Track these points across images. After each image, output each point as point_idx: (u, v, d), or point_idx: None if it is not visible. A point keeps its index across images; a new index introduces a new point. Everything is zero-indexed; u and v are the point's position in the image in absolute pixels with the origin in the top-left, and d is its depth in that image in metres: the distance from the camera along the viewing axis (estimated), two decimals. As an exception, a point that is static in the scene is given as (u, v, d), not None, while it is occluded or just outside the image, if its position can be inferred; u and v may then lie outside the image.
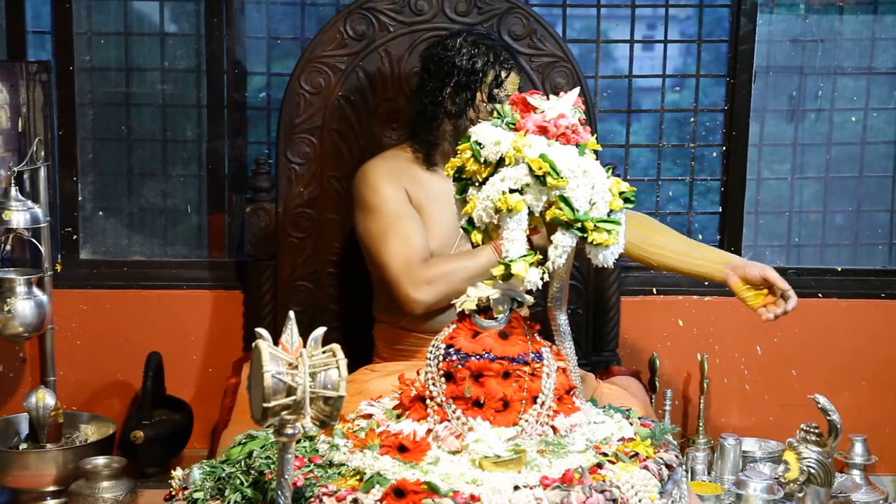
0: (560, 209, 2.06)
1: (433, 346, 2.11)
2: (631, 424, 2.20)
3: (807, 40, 3.74)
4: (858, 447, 3.46)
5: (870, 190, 3.81)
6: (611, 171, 2.15)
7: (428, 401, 2.08)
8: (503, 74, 2.86)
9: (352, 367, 1.95)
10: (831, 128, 3.78)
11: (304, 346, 1.82)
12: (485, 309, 2.12)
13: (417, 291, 2.76)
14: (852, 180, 3.81)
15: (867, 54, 3.75)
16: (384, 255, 2.83)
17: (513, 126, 2.16)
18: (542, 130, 2.14)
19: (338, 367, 1.79)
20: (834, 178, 3.81)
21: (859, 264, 3.80)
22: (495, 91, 2.85)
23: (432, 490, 1.86)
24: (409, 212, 2.87)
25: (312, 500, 1.91)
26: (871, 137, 3.79)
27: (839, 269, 3.73)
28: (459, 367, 2.04)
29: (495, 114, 2.22)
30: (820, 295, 3.67)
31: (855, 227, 3.83)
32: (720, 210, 3.72)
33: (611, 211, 2.11)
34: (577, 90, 2.21)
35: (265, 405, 1.74)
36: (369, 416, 2.19)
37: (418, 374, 2.14)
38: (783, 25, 3.74)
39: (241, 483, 2.02)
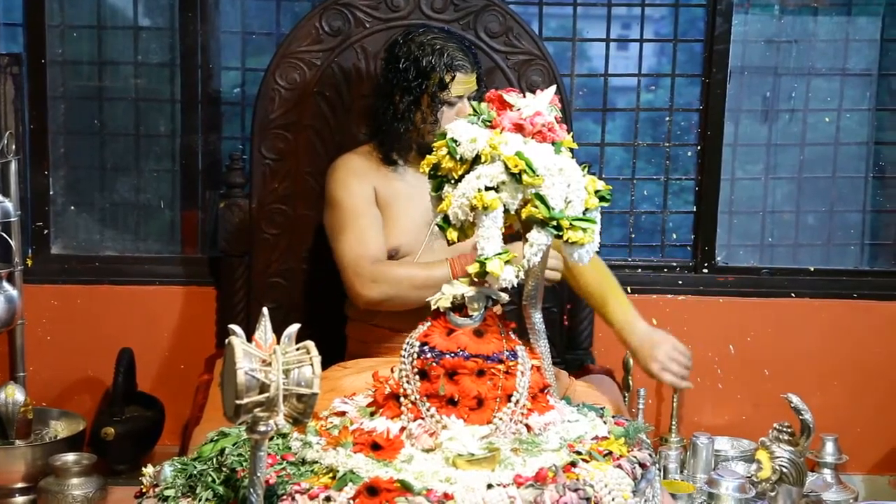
0: (536, 207, 2.06)
1: (408, 343, 2.10)
2: (605, 423, 2.20)
3: (781, 41, 3.76)
4: (830, 446, 3.48)
5: (842, 190, 3.83)
6: (586, 169, 2.15)
7: (402, 398, 2.08)
8: (447, 77, 2.84)
9: (325, 364, 1.95)
10: (805, 128, 3.80)
11: (278, 342, 1.81)
12: (460, 307, 2.12)
13: (362, 286, 2.78)
14: (825, 181, 3.83)
15: (841, 55, 3.77)
16: (338, 248, 2.87)
17: (489, 123, 2.16)
18: (519, 128, 2.14)
19: (311, 365, 1.79)
20: (807, 178, 3.83)
21: (832, 264, 3.82)
22: (440, 94, 2.84)
23: (405, 488, 1.86)
24: (370, 211, 2.88)
25: (285, 497, 1.90)
26: (844, 138, 3.81)
27: (812, 269, 3.75)
28: (434, 364, 2.04)
29: (471, 111, 2.21)
30: (793, 295, 3.69)
31: (828, 228, 3.85)
32: (694, 209, 3.73)
33: (586, 209, 2.11)
34: (553, 88, 2.21)
35: (238, 402, 1.73)
36: (343, 413, 2.18)
37: (392, 371, 2.14)
38: (758, 26, 3.75)
39: (213, 480, 2.00)
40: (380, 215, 2.89)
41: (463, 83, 2.85)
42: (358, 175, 2.92)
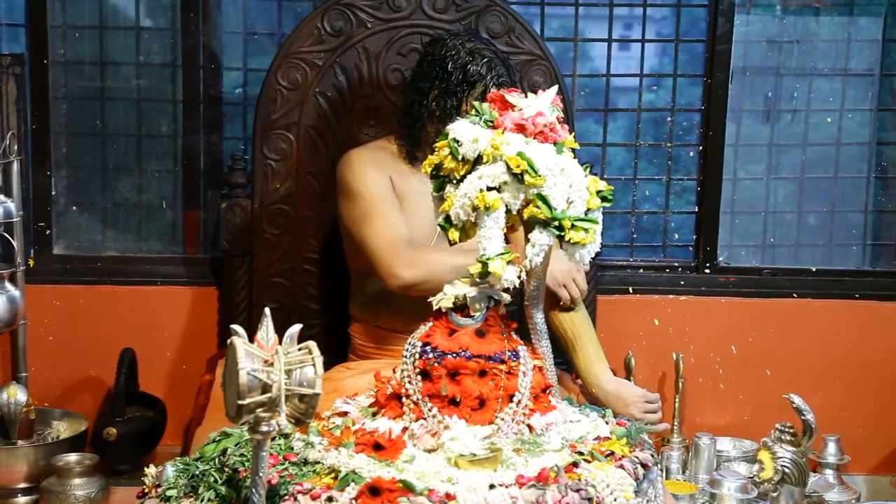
0: (538, 207, 2.06)
1: (409, 343, 2.10)
2: (607, 423, 2.20)
3: (783, 41, 3.76)
4: (832, 447, 3.48)
5: (844, 191, 3.83)
6: (588, 169, 2.15)
7: (404, 399, 2.08)
8: (492, 89, 2.84)
9: (327, 365, 1.95)
10: (806, 129, 3.80)
11: (280, 343, 1.81)
12: (461, 307, 2.11)
13: (400, 267, 2.73)
14: (827, 181, 3.83)
15: (842, 56, 3.77)
16: (367, 236, 2.81)
17: (491, 124, 2.16)
18: (520, 128, 2.14)
19: (313, 365, 1.78)
20: (809, 178, 3.83)
21: (833, 265, 3.81)
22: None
23: (407, 488, 1.86)
24: (392, 198, 2.87)
25: (287, 497, 1.90)
26: (846, 139, 3.81)
27: (814, 270, 3.74)
28: (436, 364, 2.04)
29: (473, 111, 2.21)
30: (794, 295, 3.69)
31: (829, 228, 3.85)
32: (696, 210, 3.73)
33: (588, 209, 2.11)
34: (555, 88, 2.21)
35: (240, 402, 1.73)
36: (345, 413, 2.18)
37: (394, 371, 2.14)
38: (760, 26, 3.75)
39: (215, 481, 2.00)
40: (399, 203, 2.88)
41: None
42: (375, 166, 2.91)
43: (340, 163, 2.96)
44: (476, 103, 2.23)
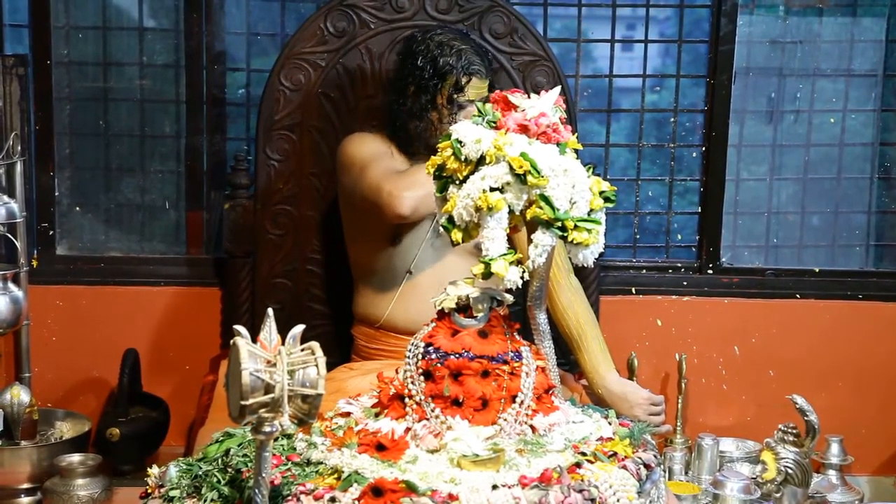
0: (540, 208, 2.06)
1: (412, 344, 2.10)
2: (609, 424, 2.20)
3: (786, 42, 3.75)
4: (835, 447, 3.48)
5: (847, 191, 3.83)
6: (591, 170, 2.15)
7: (406, 399, 2.08)
8: (464, 80, 2.86)
9: (330, 366, 1.95)
10: (810, 129, 3.80)
11: (283, 343, 1.81)
12: (464, 307, 2.11)
13: (399, 189, 2.77)
14: (830, 182, 3.82)
15: (846, 56, 3.77)
16: (366, 181, 2.86)
17: (494, 124, 2.16)
18: (523, 129, 2.14)
19: (316, 365, 1.79)
20: (812, 179, 3.82)
21: (837, 265, 3.81)
22: (455, 95, 2.85)
23: (410, 489, 1.86)
24: (388, 156, 2.93)
25: (290, 498, 1.90)
26: (849, 139, 3.81)
27: (817, 270, 3.74)
28: (438, 365, 2.04)
29: (476, 112, 2.21)
30: (798, 296, 3.69)
31: (832, 229, 3.85)
32: (699, 210, 3.73)
33: (591, 210, 2.11)
34: (557, 89, 2.21)
35: (243, 403, 1.73)
36: (347, 414, 2.18)
37: (397, 372, 2.14)
38: (763, 27, 3.75)
39: (218, 481, 2.00)
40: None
41: (477, 88, 2.88)
42: (375, 141, 2.98)
43: (340, 147, 3.03)
44: (479, 104, 2.23)
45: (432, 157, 2.21)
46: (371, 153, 2.93)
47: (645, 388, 2.98)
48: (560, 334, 2.95)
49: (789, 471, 2.92)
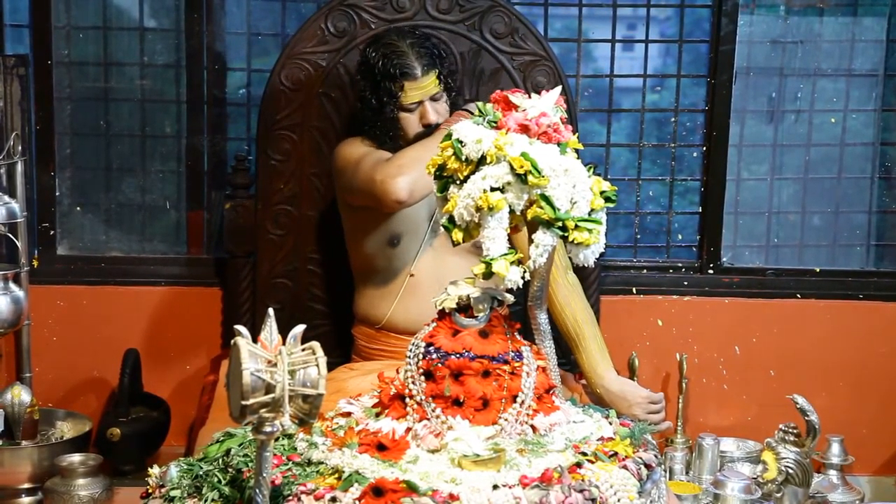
0: (541, 208, 2.06)
1: (413, 344, 2.10)
2: (610, 424, 2.20)
3: (787, 41, 3.75)
4: (835, 447, 3.47)
5: (848, 191, 3.83)
6: (592, 170, 2.15)
7: (407, 399, 2.08)
8: (395, 87, 2.89)
9: (331, 366, 1.95)
10: (810, 129, 3.79)
11: (284, 343, 1.81)
12: (465, 307, 2.11)
13: (392, 176, 2.77)
14: (831, 181, 3.82)
15: (846, 56, 3.77)
16: (359, 175, 2.88)
17: (494, 124, 2.16)
18: (524, 129, 2.14)
19: (317, 365, 1.79)
20: (813, 179, 3.82)
21: (837, 265, 3.81)
22: (395, 102, 2.87)
23: (411, 489, 1.86)
24: (379, 154, 2.94)
25: (290, 498, 1.90)
26: (850, 139, 3.81)
27: (817, 270, 3.74)
28: (439, 365, 2.04)
29: (477, 112, 2.21)
30: (798, 296, 3.69)
31: (833, 229, 3.85)
32: (700, 210, 3.73)
33: (592, 210, 2.11)
34: (558, 89, 2.21)
35: (243, 403, 1.73)
36: (348, 414, 2.18)
37: (398, 372, 2.14)
38: (763, 26, 3.75)
39: (219, 481, 2.00)
40: None
41: (415, 89, 2.89)
42: (365, 144, 3.00)
43: (334, 153, 3.05)
44: (479, 104, 2.23)
45: (433, 157, 2.21)
46: (361, 152, 2.95)
47: (645, 388, 2.98)
48: (558, 334, 2.95)
49: (790, 471, 2.92)
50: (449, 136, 2.16)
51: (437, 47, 2.99)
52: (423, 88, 2.89)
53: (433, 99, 2.91)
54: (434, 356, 2.05)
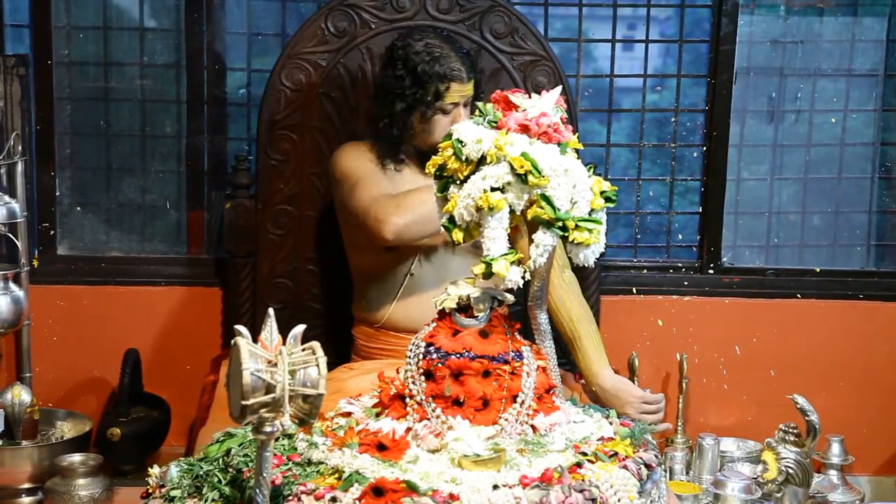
0: (541, 208, 2.06)
1: (413, 344, 2.10)
2: (610, 424, 2.20)
3: (787, 41, 3.75)
4: (836, 447, 3.48)
5: (848, 191, 3.83)
6: (592, 170, 2.15)
7: (407, 399, 2.07)
8: (442, 87, 2.86)
9: (331, 366, 1.95)
10: (810, 129, 3.79)
11: (284, 343, 1.81)
12: (465, 307, 2.11)
13: (387, 214, 2.75)
14: (831, 181, 3.82)
15: (847, 56, 3.77)
16: (355, 200, 2.86)
17: (494, 124, 2.16)
18: (524, 129, 2.14)
19: (317, 365, 1.79)
20: (813, 179, 3.82)
21: (838, 265, 3.81)
22: (435, 102, 2.86)
23: (411, 489, 1.86)
24: (380, 174, 2.91)
25: (291, 498, 1.90)
26: (850, 139, 3.81)
27: (818, 270, 3.74)
28: (439, 365, 2.04)
29: (477, 112, 2.21)
30: (798, 296, 3.69)
31: (833, 229, 3.85)
32: (700, 210, 3.73)
33: (592, 210, 2.11)
34: (559, 89, 2.21)
35: (244, 403, 1.73)
36: (348, 414, 2.18)
37: (398, 372, 2.14)
38: (763, 26, 3.75)
39: (219, 481, 2.00)
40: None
41: (458, 91, 2.88)
42: (366, 155, 2.97)
43: (332, 158, 3.02)
44: (479, 104, 2.23)
45: (433, 157, 2.21)
46: (362, 171, 2.92)
47: (644, 388, 2.97)
48: (556, 333, 2.95)
49: (790, 471, 2.92)
50: (449, 136, 2.17)
51: (471, 55, 3.00)
52: (464, 92, 2.89)
53: (464, 105, 2.91)
54: (434, 356, 2.05)
